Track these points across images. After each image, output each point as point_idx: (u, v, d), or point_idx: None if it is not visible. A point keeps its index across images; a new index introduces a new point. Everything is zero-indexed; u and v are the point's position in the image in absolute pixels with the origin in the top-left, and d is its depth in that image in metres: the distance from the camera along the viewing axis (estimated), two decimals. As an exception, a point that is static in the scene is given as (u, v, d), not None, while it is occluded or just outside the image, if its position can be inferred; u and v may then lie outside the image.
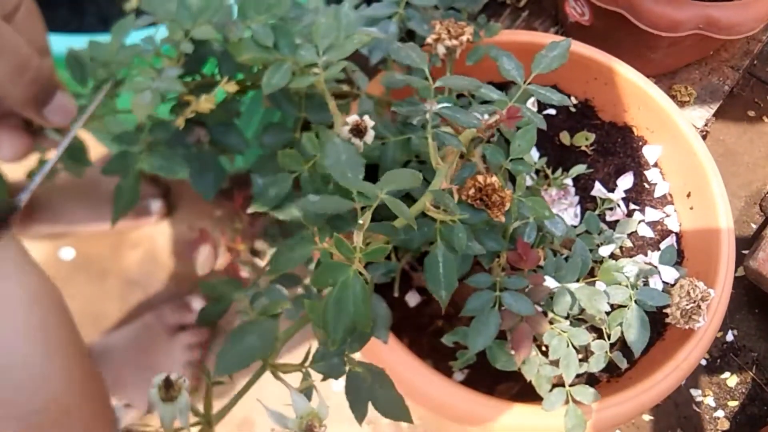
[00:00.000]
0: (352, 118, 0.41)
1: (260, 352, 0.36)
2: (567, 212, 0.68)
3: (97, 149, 0.90)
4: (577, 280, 0.53)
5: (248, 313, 0.44)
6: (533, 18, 1.01)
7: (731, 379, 0.93)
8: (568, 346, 0.49)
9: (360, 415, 0.41)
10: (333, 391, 0.92)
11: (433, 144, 0.41)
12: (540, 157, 0.70)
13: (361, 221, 0.34)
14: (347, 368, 0.40)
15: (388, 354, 0.58)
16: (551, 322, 0.52)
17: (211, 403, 0.35)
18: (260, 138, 0.48)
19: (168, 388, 0.31)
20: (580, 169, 0.67)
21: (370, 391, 0.40)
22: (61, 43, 0.56)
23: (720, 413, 0.91)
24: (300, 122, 0.49)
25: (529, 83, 0.51)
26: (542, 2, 1.02)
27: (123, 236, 1.04)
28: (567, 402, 0.54)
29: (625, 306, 0.55)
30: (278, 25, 0.43)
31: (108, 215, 0.99)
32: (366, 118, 0.40)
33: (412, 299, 0.70)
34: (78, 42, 0.46)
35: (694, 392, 0.93)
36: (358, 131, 0.40)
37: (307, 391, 0.35)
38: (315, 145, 0.42)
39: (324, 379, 0.40)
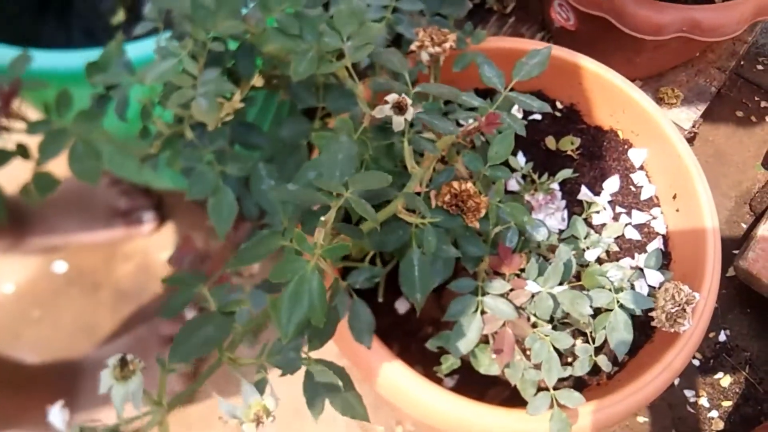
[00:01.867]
0: (392, 96, 0.41)
1: (216, 343, 0.36)
2: (554, 216, 0.68)
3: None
4: (561, 284, 0.53)
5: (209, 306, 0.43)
6: (520, 24, 1.02)
7: (725, 379, 0.93)
8: (550, 350, 0.49)
9: (316, 411, 0.41)
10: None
11: (409, 148, 0.41)
12: (526, 162, 0.70)
13: (323, 218, 0.35)
14: (304, 364, 0.40)
15: (377, 360, 0.58)
16: (534, 326, 0.52)
17: (165, 390, 0.35)
18: (276, 132, 0.48)
19: (123, 367, 0.31)
20: (566, 173, 0.67)
21: (328, 388, 0.41)
22: (79, 59, 0.56)
23: (714, 413, 0.91)
24: (318, 113, 0.49)
25: (510, 90, 0.52)
26: (528, 8, 1.02)
27: (115, 249, 1.04)
28: (552, 406, 0.54)
29: (610, 310, 0.56)
30: (301, 12, 0.43)
31: (103, 227, 0.99)
32: (405, 96, 0.40)
33: (402, 306, 0.70)
34: (94, 56, 0.46)
35: (688, 393, 0.93)
36: (400, 108, 0.41)
37: (261, 383, 0.35)
38: (321, 144, 0.42)
39: (282, 375, 0.41)
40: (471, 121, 0.49)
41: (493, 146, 0.46)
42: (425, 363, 0.64)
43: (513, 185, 0.68)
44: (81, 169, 0.39)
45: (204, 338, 0.35)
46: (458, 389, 0.59)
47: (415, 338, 0.70)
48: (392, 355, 0.59)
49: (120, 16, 0.79)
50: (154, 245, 1.04)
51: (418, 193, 0.43)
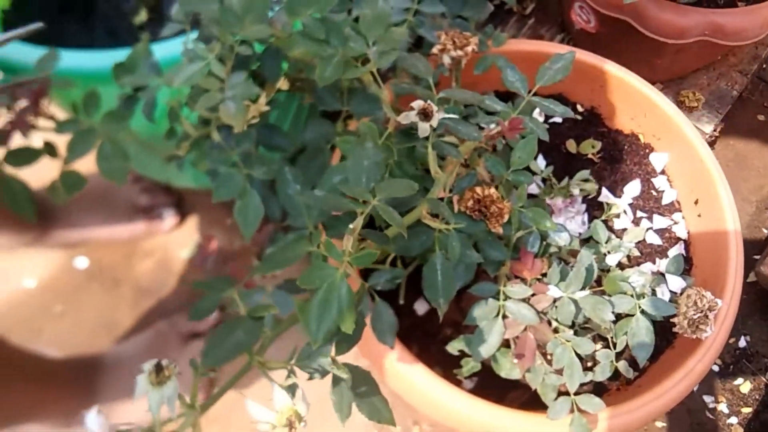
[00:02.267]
0: (418, 103, 0.41)
1: (246, 347, 0.36)
2: (574, 220, 0.68)
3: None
4: (582, 289, 0.53)
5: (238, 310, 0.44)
6: (539, 25, 1.01)
7: (744, 386, 0.92)
8: (572, 355, 0.49)
9: (343, 415, 0.41)
10: (343, 398, 0.92)
11: (433, 153, 0.42)
12: (546, 166, 0.70)
13: (352, 226, 0.35)
14: (332, 369, 0.41)
15: (397, 361, 0.58)
16: (556, 331, 0.52)
17: (197, 393, 0.36)
18: (298, 134, 0.48)
19: (158, 373, 0.31)
20: (583, 175, 0.67)
21: (355, 392, 0.41)
22: (106, 59, 0.56)
23: (733, 420, 0.91)
24: (342, 116, 0.49)
25: (533, 94, 0.52)
26: (548, 10, 1.02)
27: (136, 245, 1.05)
28: (572, 411, 0.54)
29: (632, 315, 0.55)
30: (327, 17, 0.43)
31: (124, 223, 1.00)
32: (431, 102, 0.41)
33: (421, 308, 0.70)
34: (120, 56, 0.46)
35: (707, 399, 0.93)
36: (426, 115, 0.41)
37: (292, 387, 0.35)
38: (346, 150, 0.42)
39: (310, 378, 0.41)
40: (492, 125, 0.49)
41: (516, 151, 0.46)
42: (444, 365, 0.64)
43: (533, 188, 0.68)
44: (109, 168, 0.40)
45: (235, 343, 0.36)
46: (477, 392, 0.59)
47: (434, 340, 0.70)
48: (413, 357, 0.59)
49: (142, 17, 0.80)
50: (174, 242, 1.05)
51: (441, 199, 0.43)
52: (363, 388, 0.41)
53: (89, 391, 0.89)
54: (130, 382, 0.93)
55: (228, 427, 0.93)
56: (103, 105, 0.43)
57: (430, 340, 0.70)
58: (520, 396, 0.67)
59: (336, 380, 0.41)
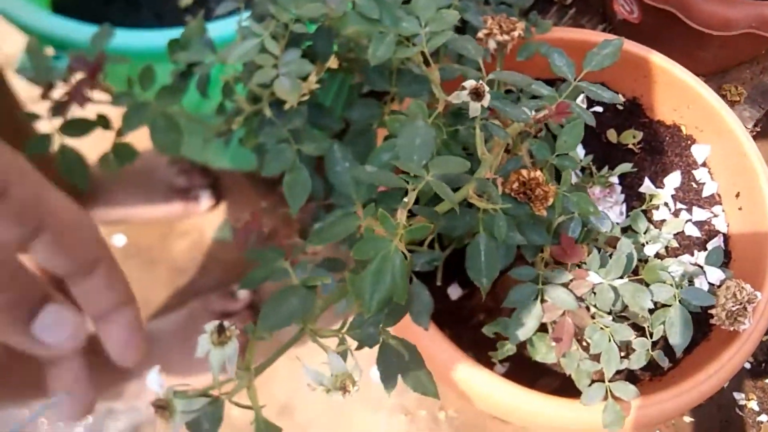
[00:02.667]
0: (470, 83, 0.42)
1: (300, 314, 0.37)
2: (612, 210, 0.68)
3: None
4: (621, 277, 0.53)
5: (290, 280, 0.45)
6: (580, 15, 1.01)
7: (776, 384, 0.91)
8: (609, 341, 0.50)
9: (390, 385, 0.42)
10: (372, 382, 0.93)
11: (481, 134, 0.42)
12: (586, 155, 0.70)
13: (406, 200, 0.35)
14: (381, 339, 0.41)
15: (431, 344, 0.59)
16: (593, 317, 0.52)
17: (253, 357, 0.37)
18: (345, 113, 0.48)
19: (220, 333, 0.32)
20: (625, 167, 0.67)
21: (401, 364, 0.42)
22: (158, 38, 0.58)
23: (764, 417, 0.90)
24: (389, 97, 0.50)
25: (579, 80, 0.51)
26: (589, 0, 1.01)
27: (172, 226, 1.07)
28: (606, 398, 0.54)
29: (669, 305, 0.55)
30: None
31: (161, 203, 1.02)
32: (482, 82, 0.41)
33: (454, 292, 0.71)
34: (175, 34, 0.47)
35: (737, 396, 0.92)
36: (477, 94, 0.41)
37: (343, 354, 0.36)
38: (395, 128, 0.43)
39: (359, 348, 0.42)
40: (534, 112, 0.50)
41: (562, 135, 0.46)
42: (476, 350, 0.65)
43: (572, 178, 0.68)
44: (163, 141, 0.41)
45: (290, 310, 0.36)
46: (508, 378, 0.60)
47: (466, 325, 0.70)
48: (446, 339, 0.60)
49: (188, 0, 0.81)
50: (208, 224, 1.07)
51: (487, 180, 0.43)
52: (409, 360, 0.41)
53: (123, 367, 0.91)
54: (164, 359, 0.94)
55: (299, 391, 0.95)
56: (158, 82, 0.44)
57: (462, 325, 0.70)
58: (551, 383, 0.67)
59: (383, 351, 0.42)
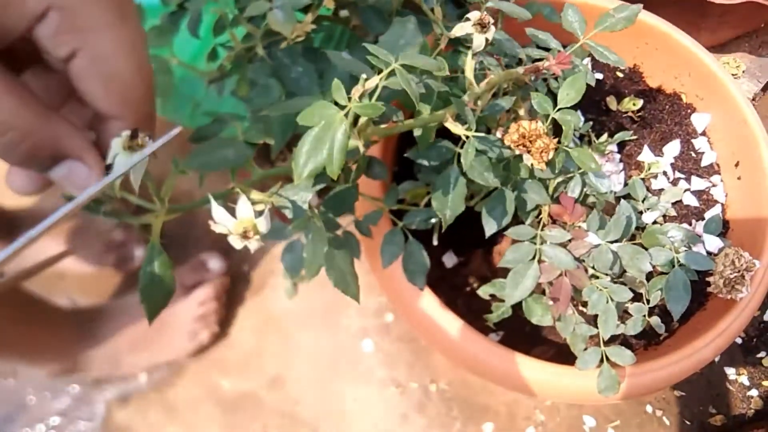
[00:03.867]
0: (474, 14, 0.41)
1: (231, 165, 0.36)
2: (611, 179, 0.67)
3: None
4: (620, 240, 0.52)
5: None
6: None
7: (767, 359, 0.91)
8: (607, 302, 0.49)
9: (310, 272, 0.41)
10: (363, 352, 0.92)
11: (472, 62, 0.41)
12: (585, 122, 0.69)
13: (364, 76, 0.34)
14: (307, 214, 0.40)
15: (427, 309, 0.58)
16: (591, 278, 0.51)
17: (171, 190, 0.35)
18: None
19: (132, 138, 0.31)
20: (625, 135, 0.65)
21: (329, 254, 0.40)
22: None
23: (754, 392, 0.90)
24: None
25: (588, 39, 0.50)
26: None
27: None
28: (601, 363, 0.54)
29: (666, 273, 0.54)
30: None
31: (92, 260, 0.97)
32: (486, 14, 0.40)
33: (449, 260, 0.70)
34: None
35: (728, 370, 0.92)
36: (482, 26, 0.40)
37: (261, 213, 0.34)
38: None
39: (281, 218, 0.39)
40: (518, 50, 0.48)
41: (563, 88, 0.44)
42: (470, 317, 0.64)
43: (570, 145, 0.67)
44: (155, 84, 0.39)
45: (223, 157, 0.35)
46: (504, 345, 0.59)
47: (461, 293, 0.69)
48: (442, 305, 0.59)
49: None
50: (186, 198, 1.05)
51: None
52: (340, 253, 0.40)
53: (91, 337, 0.90)
54: (135, 334, 0.92)
55: (290, 361, 0.94)
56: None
57: (457, 292, 0.70)
58: (546, 351, 0.67)
59: (317, 237, 0.40)
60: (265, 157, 0.63)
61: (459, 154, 0.46)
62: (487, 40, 0.39)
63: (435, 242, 0.55)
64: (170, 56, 0.41)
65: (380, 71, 0.35)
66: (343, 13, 0.45)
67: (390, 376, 0.92)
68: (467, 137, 0.40)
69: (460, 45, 0.45)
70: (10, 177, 0.32)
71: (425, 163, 0.47)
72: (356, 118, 0.36)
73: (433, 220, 0.50)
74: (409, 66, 0.35)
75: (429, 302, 0.59)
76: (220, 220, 0.33)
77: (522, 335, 0.67)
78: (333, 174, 0.33)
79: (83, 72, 0.30)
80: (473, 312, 0.65)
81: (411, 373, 0.92)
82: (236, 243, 0.33)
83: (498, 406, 0.90)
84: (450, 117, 0.40)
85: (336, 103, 0.34)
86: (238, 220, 0.33)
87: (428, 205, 0.52)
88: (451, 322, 0.58)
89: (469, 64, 0.40)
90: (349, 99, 0.33)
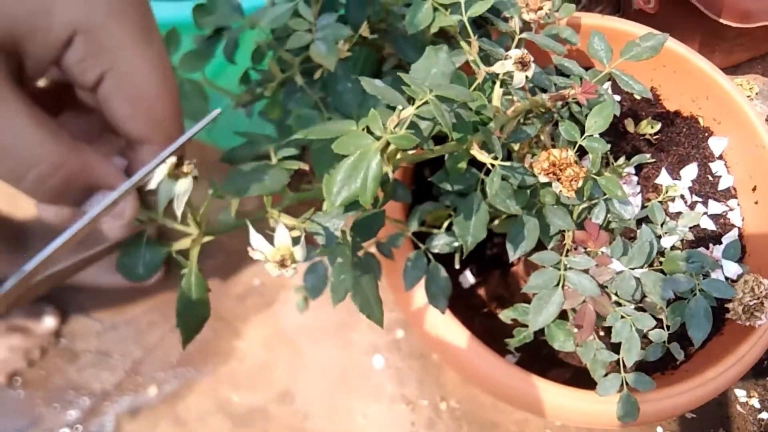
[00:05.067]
0: (515, 52, 0.41)
1: (267, 191, 0.36)
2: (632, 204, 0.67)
3: None
4: (642, 266, 0.52)
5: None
6: (593, 4, 0.99)
7: (779, 383, 0.91)
8: (631, 329, 0.49)
9: (337, 297, 0.41)
10: (374, 368, 0.92)
11: (500, 91, 0.41)
12: (601, 144, 0.69)
13: (400, 107, 0.34)
14: (338, 241, 0.40)
15: (445, 330, 0.58)
16: (616, 305, 0.51)
17: (207, 214, 0.35)
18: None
19: (178, 166, 0.31)
20: (643, 158, 0.66)
21: (355, 279, 0.40)
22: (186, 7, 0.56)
23: (765, 415, 0.90)
24: None
25: (613, 68, 0.51)
26: (604, -11, 1.00)
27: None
28: (621, 389, 0.53)
29: (685, 298, 0.54)
30: None
31: None
32: (527, 52, 0.40)
33: (466, 281, 0.70)
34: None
35: (738, 392, 0.91)
36: (523, 64, 0.40)
37: (297, 240, 0.34)
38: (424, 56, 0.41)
39: (309, 242, 0.40)
40: (545, 82, 0.48)
41: (591, 116, 0.45)
42: (488, 338, 0.64)
43: (587, 166, 0.67)
44: (187, 107, 0.39)
45: (260, 183, 0.35)
46: (520, 367, 0.59)
47: (478, 313, 0.69)
48: (460, 325, 0.59)
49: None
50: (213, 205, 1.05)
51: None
52: (365, 278, 0.40)
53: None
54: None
55: (300, 376, 0.93)
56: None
57: (474, 313, 0.70)
58: (563, 374, 0.66)
59: (336, 257, 0.40)
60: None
61: (482, 180, 0.47)
62: (527, 77, 0.39)
63: (457, 266, 0.55)
64: (202, 79, 0.41)
65: (412, 100, 0.35)
66: (372, 37, 0.45)
67: (400, 393, 0.91)
68: (493, 165, 0.40)
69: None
70: (41, 206, 0.32)
71: (448, 187, 0.47)
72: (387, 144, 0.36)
73: (456, 244, 0.50)
74: (443, 96, 0.35)
75: (447, 323, 0.59)
76: (258, 247, 0.33)
77: (539, 356, 0.67)
78: (366, 203, 0.33)
79: (111, 94, 0.30)
80: (491, 333, 0.65)
81: (421, 389, 0.92)
82: (273, 270, 0.33)
83: (508, 424, 0.90)
84: (476, 144, 0.40)
85: (369, 130, 0.34)
86: (275, 248, 0.33)
87: (449, 227, 0.52)
88: (469, 343, 0.58)
89: (497, 93, 0.40)
90: (384, 127, 0.33)
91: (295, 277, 0.50)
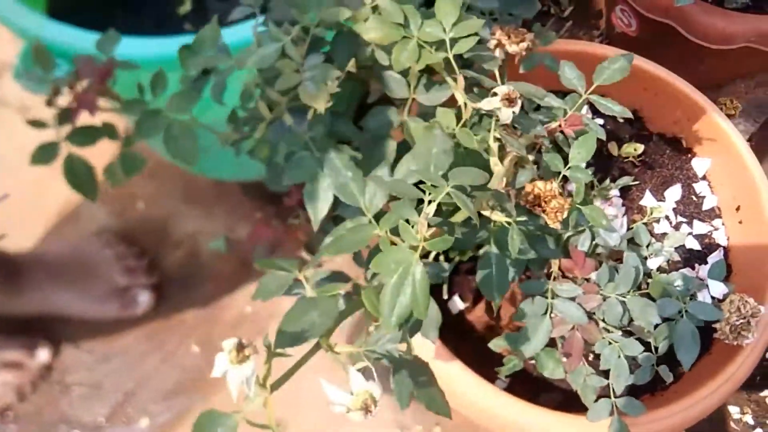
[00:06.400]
0: (502, 89, 0.41)
1: (320, 329, 0.36)
2: (613, 223, 0.67)
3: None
4: (629, 292, 0.52)
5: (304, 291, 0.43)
6: (577, 28, 1.01)
7: (771, 398, 0.92)
8: (619, 356, 0.49)
9: (404, 402, 0.41)
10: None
11: (495, 145, 0.41)
12: (586, 167, 0.70)
13: (427, 210, 0.35)
14: (404, 355, 0.40)
15: (434, 356, 0.58)
16: (604, 332, 0.51)
17: (270, 373, 0.35)
18: (361, 121, 0.47)
19: (239, 351, 0.31)
20: (627, 180, 0.66)
21: (415, 381, 0.41)
22: (166, 45, 0.57)
23: (759, 431, 0.90)
24: (407, 104, 0.48)
25: (589, 93, 0.51)
26: (586, 13, 1.02)
27: (166, 234, 1.05)
28: (612, 414, 0.54)
29: (673, 320, 0.55)
30: (404, 1, 0.43)
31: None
32: (514, 89, 0.41)
33: (454, 306, 0.70)
34: (184, 40, 0.46)
35: (732, 409, 0.92)
36: (510, 101, 0.41)
37: (365, 372, 0.35)
38: (417, 136, 0.42)
39: (377, 360, 0.41)
40: (539, 128, 0.49)
41: (575, 147, 0.45)
42: (475, 365, 0.64)
43: (571, 189, 0.68)
44: (177, 149, 0.39)
45: (310, 323, 0.35)
46: (510, 393, 0.59)
47: (466, 340, 0.70)
48: (450, 354, 0.59)
49: (187, 6, 0.80)
50: (203, 234, 1.05)
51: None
52: (422, 377, 0.40)
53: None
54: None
55: (295, 406, 0.93)
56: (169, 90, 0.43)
57: (462, 340, 0.70)
58: (553, 399, 0.67)
59: (397, 368, 0.41)
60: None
61: (495, 232, 0.46)
62: (514, 113, 0.40)
63: (445, 296, 0.55)
64: (190, 119, 0.42)
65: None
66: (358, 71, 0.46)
67: (395, 419, 0.91)
68: (509, 223, 0.41)
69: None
70: None
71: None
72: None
73: (445, 274, 0.51)
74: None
75: (436, 351, 0.59)
76: (337, 401, 0.33)
77: (529, 381, 0.67)
78: (422, 315, 0.34)
79: None
80: (479, 360, 0.65)
81: (415, 415, 0.92)
82: (358, 417, 0.33)
83: (503, 447, 0.90)
84: (486, 204, 0.41)
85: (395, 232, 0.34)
86: (355, 396, 0.32)
87: (436, 258, 0.53)
88: (457, 371, 0.58)
89: (493, 147, 0.41)
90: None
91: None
